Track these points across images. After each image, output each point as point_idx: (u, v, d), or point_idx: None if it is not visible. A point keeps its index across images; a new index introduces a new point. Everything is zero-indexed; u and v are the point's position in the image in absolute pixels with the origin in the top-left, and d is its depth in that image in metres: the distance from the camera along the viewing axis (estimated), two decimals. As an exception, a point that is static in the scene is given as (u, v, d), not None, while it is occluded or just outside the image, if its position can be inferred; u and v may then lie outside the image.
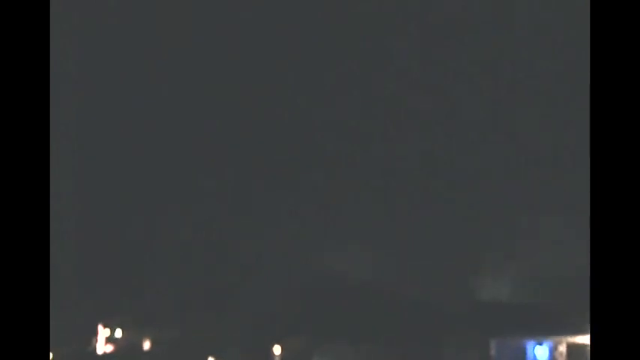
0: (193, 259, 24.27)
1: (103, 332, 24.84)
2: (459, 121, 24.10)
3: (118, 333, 24.99)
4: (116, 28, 24.21)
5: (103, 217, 24.93)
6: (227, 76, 24.34)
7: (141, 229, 24.91)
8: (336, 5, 24.10)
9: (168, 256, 24.44)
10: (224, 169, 24.48)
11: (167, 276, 24.60)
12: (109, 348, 24.88)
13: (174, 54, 24.15)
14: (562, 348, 25.59)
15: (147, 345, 25.06)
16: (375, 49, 24.04)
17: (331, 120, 24.32)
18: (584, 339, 24.86)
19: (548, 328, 25.37)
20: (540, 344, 25.84)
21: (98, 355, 24.74)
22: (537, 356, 25.86)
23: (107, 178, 24.96)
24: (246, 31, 24.19)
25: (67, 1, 22.33)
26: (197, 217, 24.50)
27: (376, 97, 24.08)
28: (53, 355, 20.45)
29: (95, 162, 24.85)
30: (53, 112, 10.55)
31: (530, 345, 25.90)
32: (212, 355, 24.20)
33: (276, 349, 24.52)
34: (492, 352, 25.91)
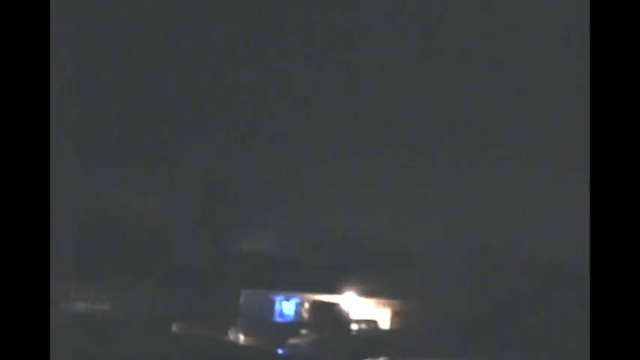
0: None
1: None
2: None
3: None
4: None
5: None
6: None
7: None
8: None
9: None
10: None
11: None
12: None
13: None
14: (307, 305, 26.13)
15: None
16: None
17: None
18: (331, 297, 25.98)
19: (299, 284, 25.82)
20: (288, 300, 26.30)
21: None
22: (284, 310, 26.32)
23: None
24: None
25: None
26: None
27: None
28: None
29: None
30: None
31: (278, 299, 26.31)
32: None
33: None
34: (241, 302, 26.32)
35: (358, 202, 25.11)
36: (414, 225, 24.91)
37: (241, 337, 26.25)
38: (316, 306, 26.49)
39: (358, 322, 26.21)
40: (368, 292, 26.21)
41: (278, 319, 26.74)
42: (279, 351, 24.61)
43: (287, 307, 26.65)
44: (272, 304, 26.80)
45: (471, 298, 23.49)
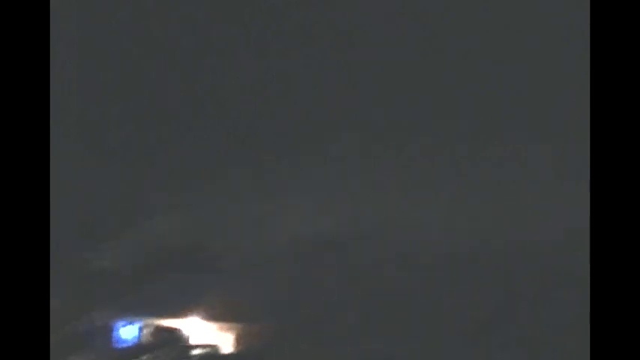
0: None
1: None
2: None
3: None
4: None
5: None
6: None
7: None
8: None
9: None
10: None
11: None
12: None
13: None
14: (151, 329, 25.84)
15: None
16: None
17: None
18: (168, 322, 25.21)
19: (137, 308, 25.42)
20: (131, 324, 25.90)
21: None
22: (124, 335, 25.90)
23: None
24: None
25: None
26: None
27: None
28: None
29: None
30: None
31: (119, 324, 25.88)
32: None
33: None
34: (80, 327, 25.90)
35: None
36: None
37: None
38: (158, 330, 26.14)
39: (200, 346, 26.02)
40: (210, 317, 25.98)
41: (119, 344, 26.28)
42: None
43: (128, 331, 26.19)
44: (112, 328, 26.37)
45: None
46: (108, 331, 26.47)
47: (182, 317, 25.69)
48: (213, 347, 26.36)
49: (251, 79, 24.70)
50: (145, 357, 24.67)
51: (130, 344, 26.06)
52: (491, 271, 23.32)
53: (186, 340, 25.86)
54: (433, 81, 24.15)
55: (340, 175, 24.15)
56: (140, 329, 26.29)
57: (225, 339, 26.32)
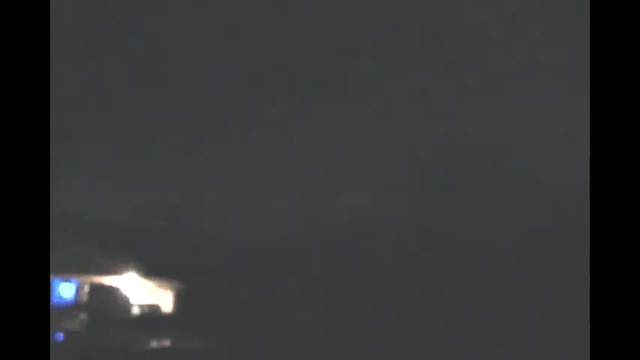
0: None
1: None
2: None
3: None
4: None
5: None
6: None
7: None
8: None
9: None
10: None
11: None
12: None
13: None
14: (86, 288, 25.80)
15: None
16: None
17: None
18: (111, 279, 25.38)
19: (73, 266, 25.38)
20: (68, 281, 25.85)
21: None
22: (61, 293, 25.82)
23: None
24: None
25: None
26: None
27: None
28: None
29: None
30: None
31: (56, 282, 25.83)
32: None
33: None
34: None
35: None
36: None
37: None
38: (96, 289, 25.91)
39: (140, 305, 25.74)
40: (149, 275, 25.74)
41: (56, 302, 26.09)
42: (58, 336, 24.03)
43: (65, 289, 26.05)
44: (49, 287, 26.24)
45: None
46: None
47: (119, 274, 25.46)
48: (153, 306, 26.06)
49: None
50: (82, 315, 24.47)
51: (67, 302, 25.87)
52: None
53: (127, 297, 25.56)
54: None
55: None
56: (76, 288, 26.15)
57: (164, 297, 26.05)
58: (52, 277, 25.77)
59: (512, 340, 20.82)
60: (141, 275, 25.50)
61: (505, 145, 24.20)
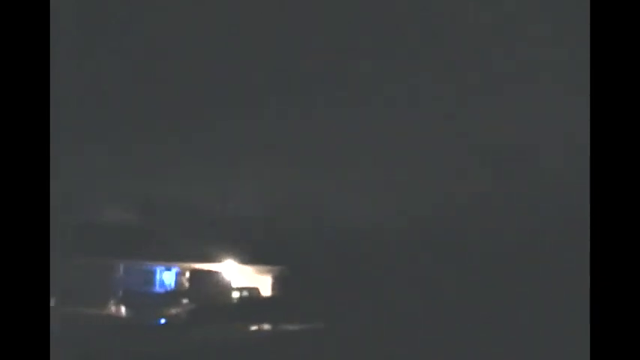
0: None
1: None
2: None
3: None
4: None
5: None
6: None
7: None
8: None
9: None
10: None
11: None
12: None
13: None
14: (187, 274, 26.10)
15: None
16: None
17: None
18: (211, 266, 25.51)
19: (175, 254, 25.67)
20: (167, 269, 26.22)
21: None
22: (164, 280, 26.20)
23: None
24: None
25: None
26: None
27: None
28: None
29: None
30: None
31: (157, 269, 26.22)
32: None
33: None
34: (120, 275, 26.18)
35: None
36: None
37: (122, 309, 26.02)
38: (196, 275, 26.18)
39: (239, 289, 25.91)
40: (248, 260, 25.95)
41: (158, 289, 26.46)
42: (161, 321, 24.24)
43: (167, 277, 26.42)
44: (151, 274, 26.60)
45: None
46: (147, 278, 26.70)
47: (219, 262, 25.73)
48: (254, 290, 26.22)
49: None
50: (185, 301, 24.76)
51: (168, 289, 26.33)
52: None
53: (227, 283, 25.80)
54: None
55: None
56: (177, 274, 26.54)
57: (264, 282, 26.31)
58: (153, 265, 26.24)
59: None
60: (240, 261, 25.68)
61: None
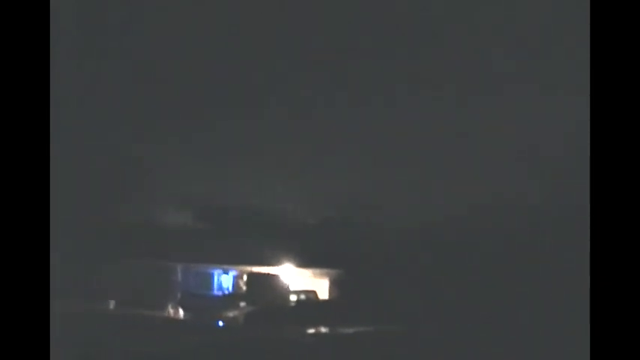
0: None
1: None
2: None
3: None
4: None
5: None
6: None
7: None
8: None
9: None
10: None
11: None
12: None
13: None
14: (245, 277, 26.17)
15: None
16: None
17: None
18: (268, 269, 25.47)
19: (232, 257, 25.79)
20: (225, 273, 26.33)
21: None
22: (222, 283, 26.34)
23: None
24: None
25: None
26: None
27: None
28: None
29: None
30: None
31: (215, 272, 26.35)
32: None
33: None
34: (178, 277, 26.36)
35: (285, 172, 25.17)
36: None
37: (180, 312, 26.16)
38: (254, 278, 26.29)
39: (297, 292, 26.00)
40: (305, 263, 26.03)
41: (216, 292, 26.61)
42: (219, 324, 24.37)
43: (225, 280, 26.55)
44: (209, 277, 26.73)
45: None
46: (206, 281, 26.82)
47: (276, 265, 25.77)
48: (311, 292, 26.22)
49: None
50: (242, 304, 24.80)
51: (226, 292, 26.43)
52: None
53: (285, 286, 25.78)
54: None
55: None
56: (235, 277, 26.60)
57: (321, 285, 26.32)
58: (211, 268, 26.36)
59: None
60: (297, 264, 25.74)
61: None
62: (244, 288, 26.48)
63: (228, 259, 26.08)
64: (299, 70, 24.37)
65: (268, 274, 26.14)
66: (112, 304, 25.93)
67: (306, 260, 25.73)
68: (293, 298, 25.87)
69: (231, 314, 24.79)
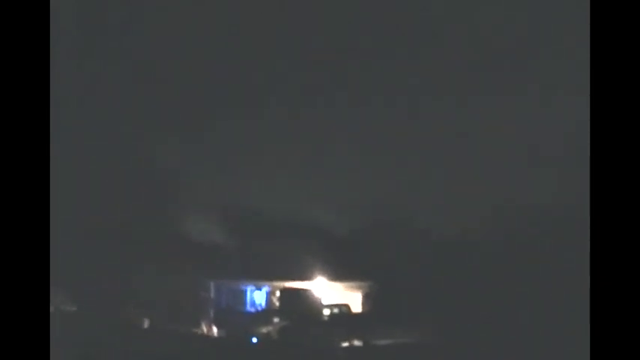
0: None
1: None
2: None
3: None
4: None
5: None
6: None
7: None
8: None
9: None
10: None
11: None
12: None
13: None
14: (278, 293, 26.20)
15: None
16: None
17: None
18: (301, 284, 25.94)
19: (265, 273, 25.88)
20: (258, 289, 26.38)
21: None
22: (255, 300, 26.39)
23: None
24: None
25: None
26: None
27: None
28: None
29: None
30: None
31: (248, 289, 26.40)
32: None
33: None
34: (212, 294, 26.45)
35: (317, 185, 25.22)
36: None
37: (214, 329, 26.22)
38: (287, 293, 26.30)
39: (330, 306, 25.99)
40: (338, 277, 26.02)
41: (249, 308, 26.67)
42: (253, 339, 24.42)
43: (258, 296, 26.60)
44: (243, 293, 26.76)
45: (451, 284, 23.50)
46: (239, 297, 26.85)
47: (308, 280, 25.76)
48: (344, 306, 26.18)
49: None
50: (276, 319, 24.77)
51: (259, 309, 26.45)
52: None
53: (317, 300, 25.73)
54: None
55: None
56: (268, 294, 26.60)
57: (354, 298, 26.25)
58: (244, 284, 26.47)
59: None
60: (329, 278, 25.80)
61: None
62: (277, 304, 26.49)
63: (260, 275, 26.20)
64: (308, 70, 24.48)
65: (301, 288, 26.14)
66: (146, 323, 26.25)
67: (338, 273, 25.76)
68: (326, 312, 25.79)
69: (264, 330, 24.83)
